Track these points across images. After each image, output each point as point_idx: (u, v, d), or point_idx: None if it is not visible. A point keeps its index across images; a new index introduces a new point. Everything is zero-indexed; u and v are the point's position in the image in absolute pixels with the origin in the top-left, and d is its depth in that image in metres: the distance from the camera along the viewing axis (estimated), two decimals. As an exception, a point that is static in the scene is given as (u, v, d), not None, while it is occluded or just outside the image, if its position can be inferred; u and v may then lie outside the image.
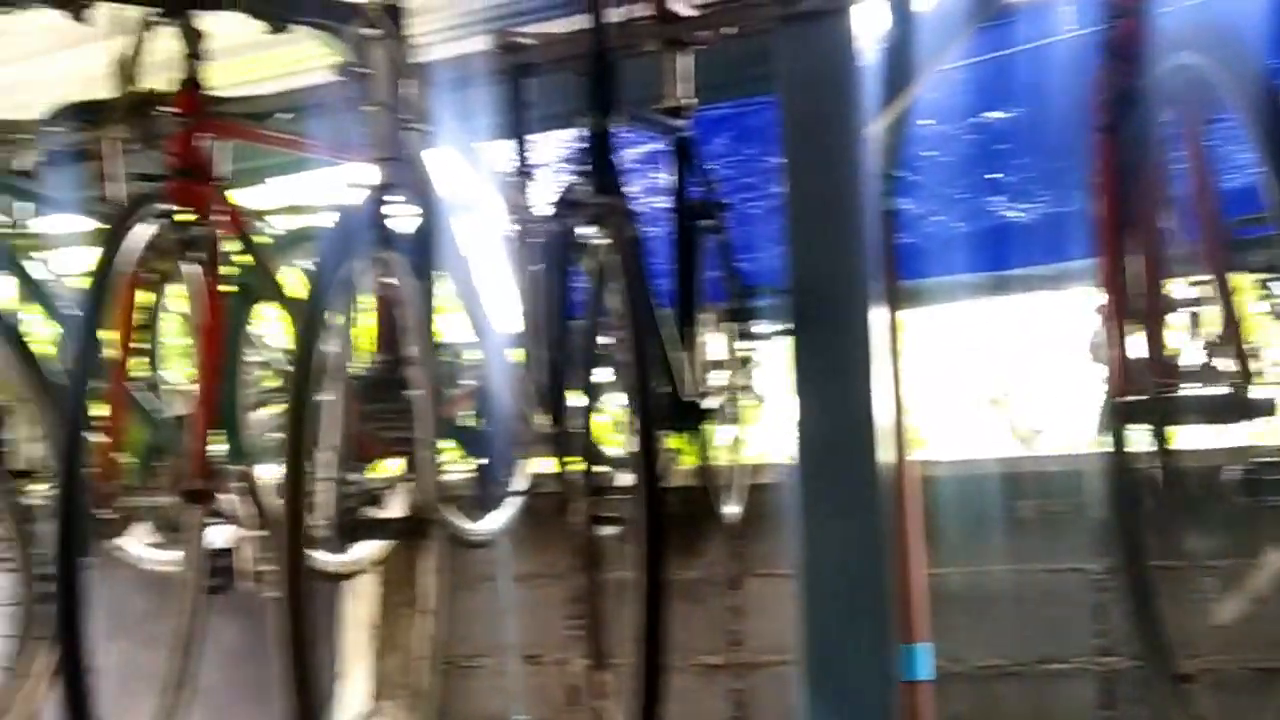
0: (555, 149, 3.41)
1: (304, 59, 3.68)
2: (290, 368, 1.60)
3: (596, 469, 2.06)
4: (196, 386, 2.05)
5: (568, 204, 2.04)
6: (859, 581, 2.31)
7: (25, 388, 2.32)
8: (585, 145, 2.05)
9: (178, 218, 2.00)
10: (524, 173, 2.64)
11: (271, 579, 2.26)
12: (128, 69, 2.81)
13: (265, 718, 3.62)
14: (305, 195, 3.66)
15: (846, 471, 2.31)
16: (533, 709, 3.54)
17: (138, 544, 2.88)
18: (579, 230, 2.02)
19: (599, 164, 2.02)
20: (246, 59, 3.27)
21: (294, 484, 1.51)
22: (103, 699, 2.40)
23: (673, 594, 2.11)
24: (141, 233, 1.86)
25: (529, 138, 2.55)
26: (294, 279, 2.65)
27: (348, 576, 3.07)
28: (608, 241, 1.97)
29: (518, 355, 2.47)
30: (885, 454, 2.39)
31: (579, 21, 3.06)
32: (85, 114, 2.67)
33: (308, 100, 3.67)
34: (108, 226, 1.87)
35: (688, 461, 2.73)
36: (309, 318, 1.60)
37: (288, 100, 3.60)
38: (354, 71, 2.20)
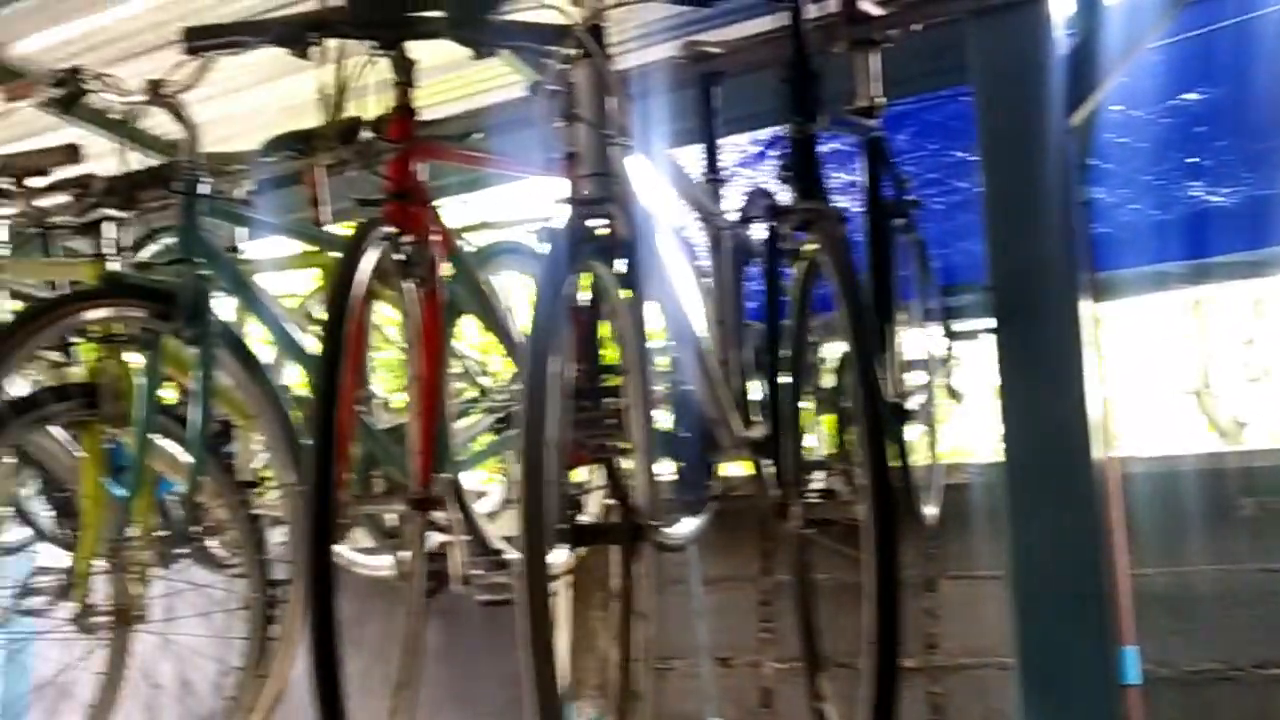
0: (743, 152, 3.44)
1: (488, 79, 3.82)
2: (519, 379, 1.65)
3: (807, 472, 2.05)
4: (417, 400, 2.13)
5: (775, 209, 2.04)
6: (1074, 582, 2.25)
7: (254, 404, 2.46)
8: (789, 150, 2.05)
9: (399, 239, 2.08)
10: (715, 178, 2.67)
11: (481, 583, 2.35)
12: (335, 98, 2.96)
13: (466, 716, 3.78)
14: (490, 211, 3.78)
15: (1058, 470, 2.26)
16: (725, 711, 3.56)
17: (353, 550, 3.03)
18: (785, 235, 2.02)
19: (804, 168, 2.02)
20: (435, 81, 3.41)
21: (534, 489, 1.56)
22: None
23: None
24: (370, 255, 1.95)
25: (719, 143, 2.57)
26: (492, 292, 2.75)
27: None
28: (816, 245, 1.97)
29: (714, 360, 2.49)
30: (1097, 451, 2.32)
31: (764, 24, 3.11)
32: (295, 143, 2.81)
33: (495, 119, 3.80)
34: (342, 251, 1.96)
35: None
36: (537, 330, 1.65)
37: (476, 120, 3.73)
38: (548, 89, 2.26)
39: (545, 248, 1.88)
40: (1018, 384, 2.29)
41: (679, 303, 2.29)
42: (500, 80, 3.80)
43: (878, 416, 1.62)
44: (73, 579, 2.49)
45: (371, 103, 2.20)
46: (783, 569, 3.45)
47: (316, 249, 3.06)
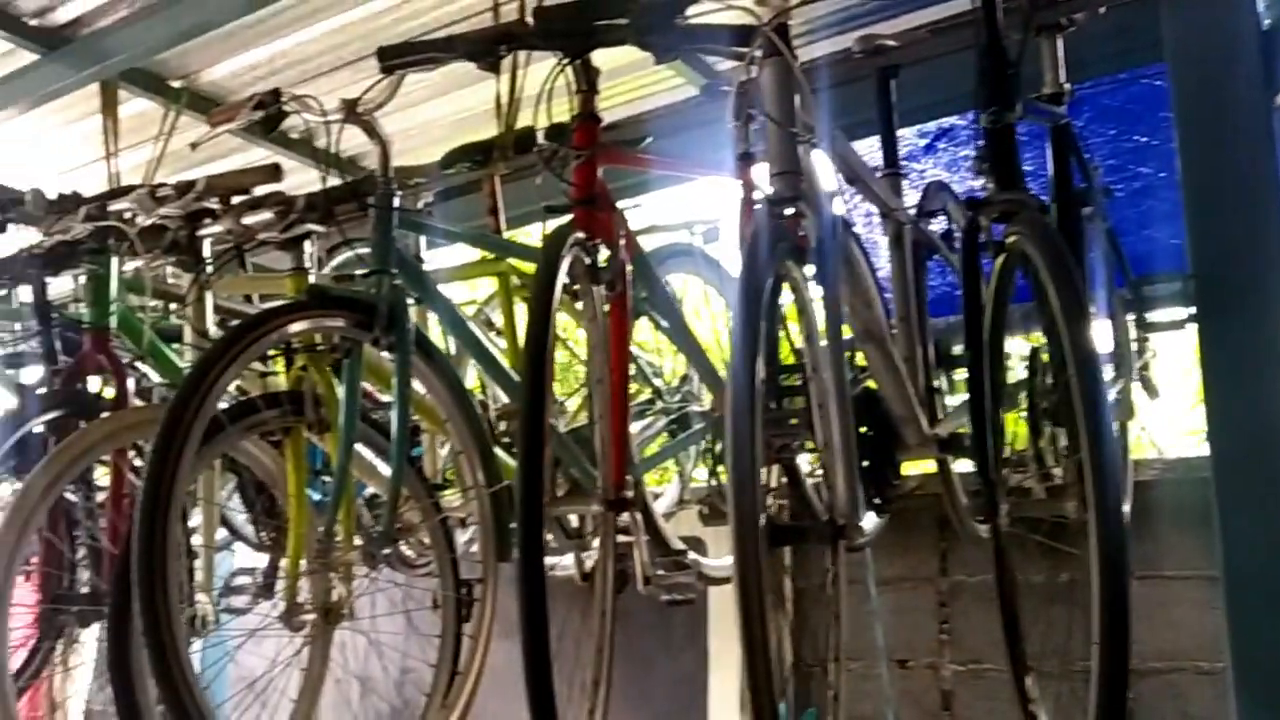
0: (910, 145, 3.39)
1: (649, 84, 3.85)
2: (725, 378, 1.66)
3: (1010, 469, 2.01)
4: (606, 402, 2.17)
5: (972, 201, 2.00)
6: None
7: (445, 408, 2.53)
8: (983, 139, 2.00)
9: (588, 244, 2.12)
10: (894, 172, 2.64)
11: (663, 583, 2.37)
12: (510, 109, 3.04)
13: (640, 714, 3.82)
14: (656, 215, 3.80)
15: (1272, 466, 2.14)
16: (904, 714, 3.51)
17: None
18: (984, 226, 1.98)
19: (1002, 157, 1.98)
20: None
21: (748, 487, 1.56)
22: (494, 697, 2.60)
23: (1048, 596, 2.04)
24: (565, 261, 1.99)
25: (898, 134, 2.54)
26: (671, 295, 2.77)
27: (726, 580, 3.15)
28: (1017, 237, 1.92)
29: (899, 357, 2.45)
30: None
31: (934, 14, 3.06)
32: (473, 155, 2.88)
33: (658, 122, 3.83)
34: (542, 257, 2.00)
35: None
36: (742, 332, 1.65)
37: (641, 125, 3.77)
38: (725, 89, 2.27)
39: (737, 249, 1.89)
40: (1224, 376, 2.19)
41: (867, 299, 2.27)
42: (664, 84, 3.83)
43: (1099, 410, 1.57)
44: (276, 578, 2.62)
45: (544, 111, 2.23)
46: (962, 569, 3.41)
47: (494, 257, 3.13)
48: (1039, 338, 2.13)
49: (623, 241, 2.24)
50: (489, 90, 3.19)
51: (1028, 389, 2.16)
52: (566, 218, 2.15)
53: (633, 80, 3.74)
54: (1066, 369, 1.67)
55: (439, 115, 4.05)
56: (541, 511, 1.78)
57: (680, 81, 3.73)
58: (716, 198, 3.34)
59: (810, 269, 1.94)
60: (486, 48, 2.14)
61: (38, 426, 2.69)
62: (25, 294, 2.93)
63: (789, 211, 1.91)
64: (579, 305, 2.24)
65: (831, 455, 1.91)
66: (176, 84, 3.95)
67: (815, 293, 1.93)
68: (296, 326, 2.22)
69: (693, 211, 3.33)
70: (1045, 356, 2.12)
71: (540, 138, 2.47)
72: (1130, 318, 2.68)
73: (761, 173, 2.04)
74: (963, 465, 2.60)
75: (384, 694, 3.14)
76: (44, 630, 2.79)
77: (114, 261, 2.75)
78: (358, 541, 2.38)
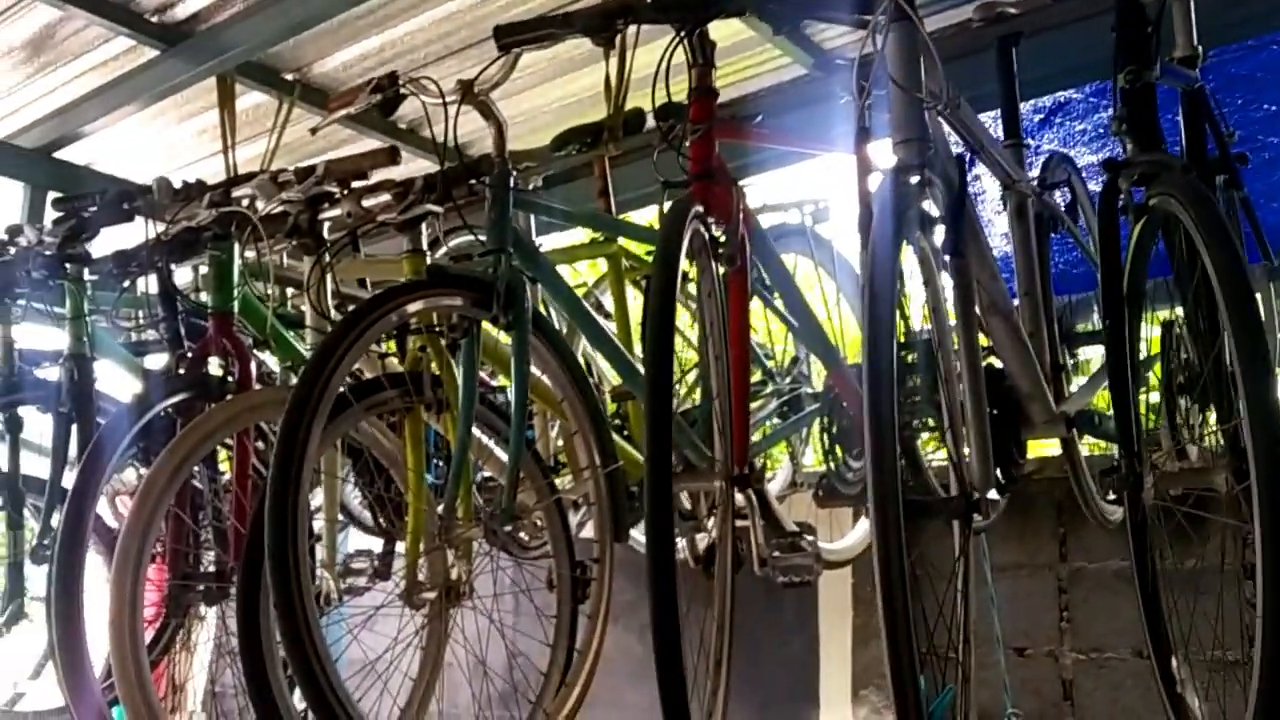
0: (1034, 118, 3.30)
1: (753, 65, 3.81)
2: (866, 355, 1.61)
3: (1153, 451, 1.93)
4: (726, 380, 2.14)
5: (1111, 165, 1.93)
6: None
7: (561, 388, 2.54)
8: (1123, 101, 1.93)
9: (708, 219, 2.10)
10: (1016, 143, 2.56)
11: (780, 564, 2.33)
12: (619, 89, 3.02)
13: (749, 702, 3.78)
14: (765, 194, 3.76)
15: None
16: (1023, 703, 3.42)
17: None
18: (1124, 191, 1.90)
19: (1142, 119, 1.90)
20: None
21: (888, 463, 1.52)
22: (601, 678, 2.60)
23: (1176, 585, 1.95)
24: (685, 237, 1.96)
25: (1021, 104, 2.46)
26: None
27: (844, 563, 3.11)
28: (1159, 199, 1.84)
29: (1024, 333, 2.38)
30: None
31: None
32: (583, 137, 2.88)
33: (763, 102, 3.80)
34: (664, 235, 1.98)
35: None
36: (876, 307, 1.61)
37: (747, 104, 3.74)
38: (843, 61, 2.23)
39: (855, 224, 1.84)
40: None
41: (992, 272, 2.21)
42: (771, 65, 3.79)
43: (1263, 378, 1.49)
44: (393, 559, 2.65)
45: (656, 92, 2.21)
46: (1083, 556, 3.31)
47: (605, 238, 3.13)
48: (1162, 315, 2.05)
49: (742, 217, 2.21)
50: (594, 76, 3.19)
51: (1163, 362, 2.08)
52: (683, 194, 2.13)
53: (740, 61, 3.71)
54: (1219, 338, 1.60)
55: (545, 102, 4.07)
56: (670, 488, 1.76)
57: (787, 61, 3.68)
58: (824, 178, 3.30)
59: (938, 239, 1.89)
60: (603, 22, 2.13)
61: (165, 410, 2.76)
62: (152, 284, 3.00)
63: (914, 180, 1.86)
64: (691, 287, 2.23)
65: (965, 429, 1.86)
66: (290, 76, 4.03)
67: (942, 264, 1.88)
68: (415, 306, 2.23)
69: (801, 192, 3.29)
70: (1181, 328, 2.04)
71: (650, 120, 2.46)
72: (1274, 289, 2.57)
73: (880, 148, 2.00)
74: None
75: (497, 676, 3.15)
76: (171, 609, 2.86)
77: (236, 248, 2.81)
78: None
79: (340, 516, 3.43)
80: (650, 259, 3.36)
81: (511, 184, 2.40)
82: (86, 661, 2.45)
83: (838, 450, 2.70)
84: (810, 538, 2.83)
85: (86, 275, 3.14)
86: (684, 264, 1.95)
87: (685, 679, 1.75)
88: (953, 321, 1.91)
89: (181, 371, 2.82)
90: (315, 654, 1.90)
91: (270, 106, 4.09)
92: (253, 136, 4.18)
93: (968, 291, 1.83)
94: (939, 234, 1.91)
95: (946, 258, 1.87)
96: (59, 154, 4.40)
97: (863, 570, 3.71)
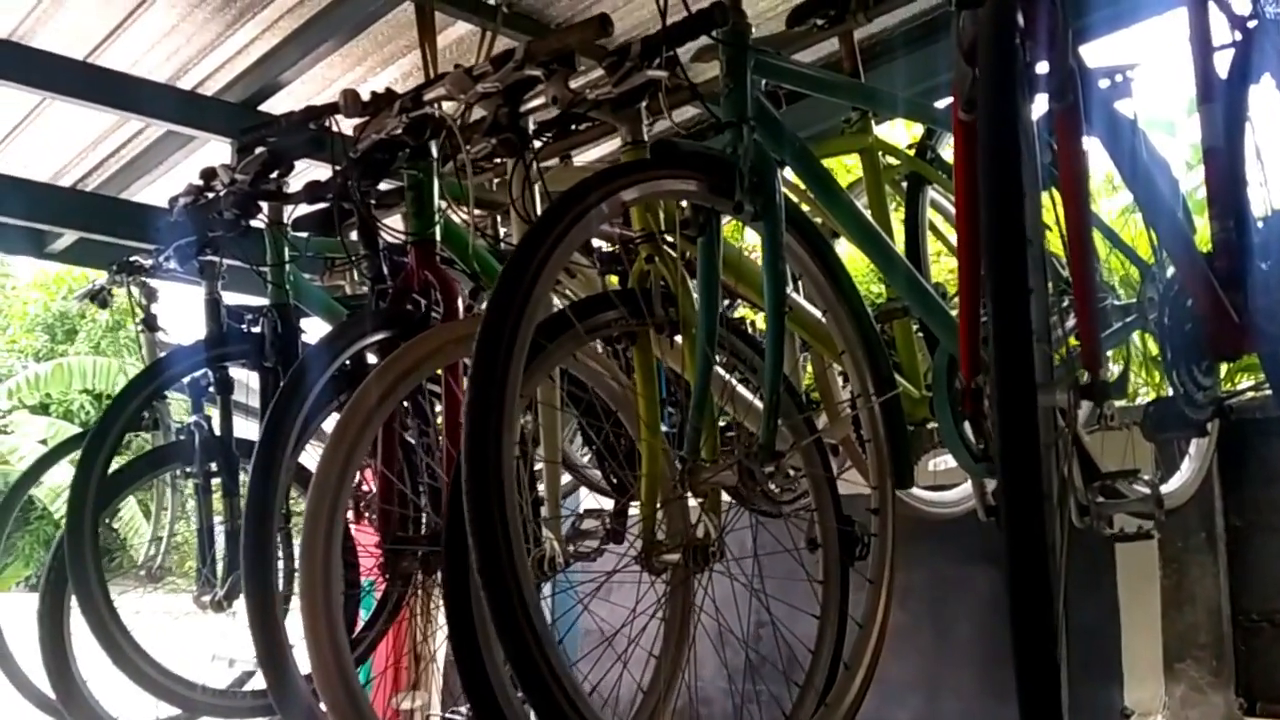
0: None
1: None
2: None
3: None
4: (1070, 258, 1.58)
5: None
6: None
7: (824, 296, 2.03)
8: None
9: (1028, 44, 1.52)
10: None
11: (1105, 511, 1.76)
12: None
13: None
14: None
15: None
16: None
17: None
18: None
19: None
20: None
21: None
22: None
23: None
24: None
25: None
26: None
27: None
28: None
29: None
30: None
31: None
32: (827, 7, 2.38)
33: None
34: (991, 54, 1.42)
35: None
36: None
37: None
38: None
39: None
40: None
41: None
42: None
43: None
44: (627, 519, 2.21)
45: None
46: None
47: (857, 129, 2.59)
48: None
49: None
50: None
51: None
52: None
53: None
54: None
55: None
56: (1036, 404, 1.22)
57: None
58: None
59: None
60: None
61: (368, 352, 2.44)
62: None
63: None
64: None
65: None
66: (493, 1, 3.64)
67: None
68: (636, 191, 1.76)
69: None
70: None
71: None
72: None
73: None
74: None
75: (738, 648, 2.66)
76: (390, 575, 2.53)
77: (434, 167, 2.45)
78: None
79: (567, 477, 3.05)
80: (912, 154, 2.80)
81: (750, 43, 1.90)
82: (284, 641, 2.14)
83: (1184, 365, 2.08)
84: (1146, 477, 2.24)
85: (285, 216, 2.88)
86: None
87: (1059, 666, 1.22)
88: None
89: (383, 307, 2.48)
90: (531, 633, 1.47)
91: (473, 41, 3.73)
92: (456, 70, 3.83)
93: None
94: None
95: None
96: (262, 107, 4.20)
97: (1172, 522, 3.04)
